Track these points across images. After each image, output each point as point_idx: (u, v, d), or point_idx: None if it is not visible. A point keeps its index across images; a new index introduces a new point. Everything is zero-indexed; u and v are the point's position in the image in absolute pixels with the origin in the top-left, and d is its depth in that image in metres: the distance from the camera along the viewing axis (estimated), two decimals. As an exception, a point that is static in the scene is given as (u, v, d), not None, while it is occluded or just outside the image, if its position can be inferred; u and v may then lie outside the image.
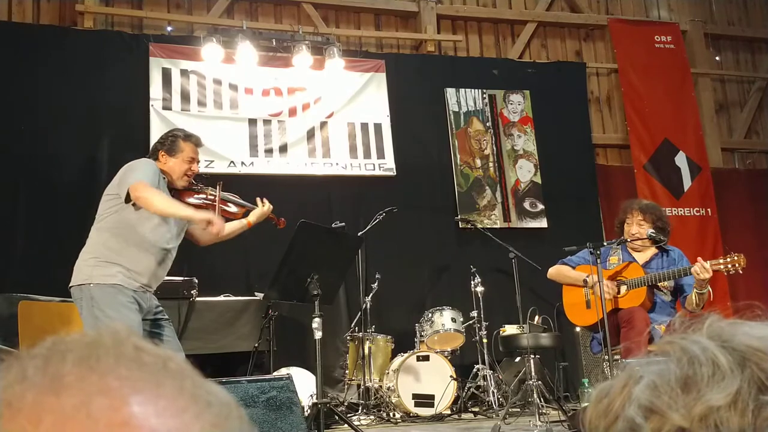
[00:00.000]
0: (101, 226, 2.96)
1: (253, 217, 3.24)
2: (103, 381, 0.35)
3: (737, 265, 3.32)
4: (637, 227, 3.63)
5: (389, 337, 5.06)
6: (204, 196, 3.16)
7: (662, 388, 0.43)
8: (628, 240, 3.63)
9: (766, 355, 0.43)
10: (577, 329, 4.96)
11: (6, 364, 0.36)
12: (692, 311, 3.38)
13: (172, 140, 3.09)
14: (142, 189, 2.83)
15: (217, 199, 3.12)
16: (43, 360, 0.36)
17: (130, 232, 2.91)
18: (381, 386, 4.78)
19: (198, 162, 3.15)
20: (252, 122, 5.86)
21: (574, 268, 3.77)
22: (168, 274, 3.14)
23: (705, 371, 0.43)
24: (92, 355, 0.36)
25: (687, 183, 6.82)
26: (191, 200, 3.13)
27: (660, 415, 0.42)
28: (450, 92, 6.44)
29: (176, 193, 3.10)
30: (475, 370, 4.98)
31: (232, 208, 3.25)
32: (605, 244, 3.70)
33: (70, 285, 2.91)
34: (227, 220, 3.23)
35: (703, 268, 3.24)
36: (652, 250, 3.69)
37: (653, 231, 3.60)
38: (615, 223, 3.92)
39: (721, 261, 3.36)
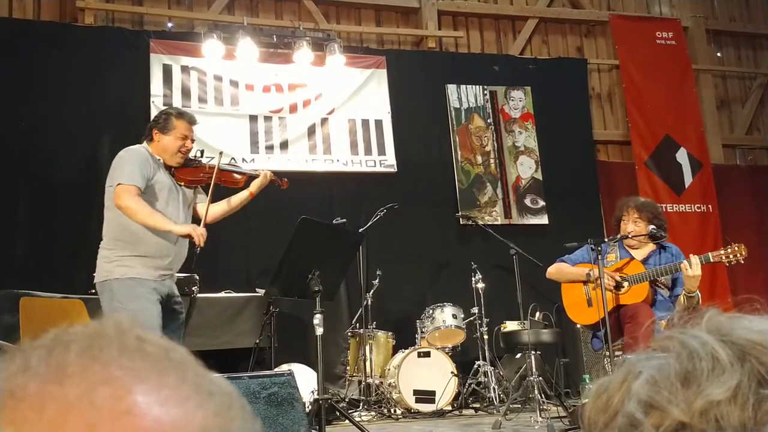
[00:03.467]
0: (112, 217, 2.98)
1: (254, 187, 3.29)
2: (106, 371, 0.35)
3: (738, 255, 3.32)
4: (633, 225, 3.63)
5: (390, 333, 5.07)
6: (202, 171, 3.19)
7: (662, 383, 0.43)
8: (630, 236, 3.63)
9: (766, 348, 0.43)
10: (578, 326, 4.96)
11: (9, 354, 0.37)
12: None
13: (165, 118, 3.12)
14: (123, 197, 2.86)
15: (214, 173, 3.15)
16: (46, 350, 0.36)
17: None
18: (382, 382, 4.79)
19: (192, 140, 3.17)
20: (253, 119, 5.86)
21: (572, 266, 3.77)
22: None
23: (705, 365, 0.43)
24: (95, 345, 0.36)
25: (688, 179, 6.81)
26: (189, 178, 3.16)
27: (660, 410, 0.42)
28: (451, 88, 6.43)
29: (174, 170, 3.12)
30: (475, 366, 4.99)
31: (234, 177, 3.30)
32: (606, 240, 3.70)
33: (94, 281, 2.99)
34: (233, 191, 3.28)
35: (696, 263, 3.25)
36: (650, 247, 3.69)
37: (655, 228, 3.60)
38: (612, 221, 3.92)
39: (722, 252, 3.37)
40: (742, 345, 0.43)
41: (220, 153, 3.31)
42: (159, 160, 3.06)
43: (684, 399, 0.42)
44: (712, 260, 3.40)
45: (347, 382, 5.09)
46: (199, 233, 2.92)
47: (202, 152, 3.29)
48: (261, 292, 4.68)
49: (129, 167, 2.91)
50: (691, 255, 3.34)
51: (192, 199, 3.22)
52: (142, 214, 2.87)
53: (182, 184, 3.15)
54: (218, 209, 3.25)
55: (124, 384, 0.35)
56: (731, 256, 3.33)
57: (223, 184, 3.26)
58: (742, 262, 3.35)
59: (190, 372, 0.37)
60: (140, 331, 0.38)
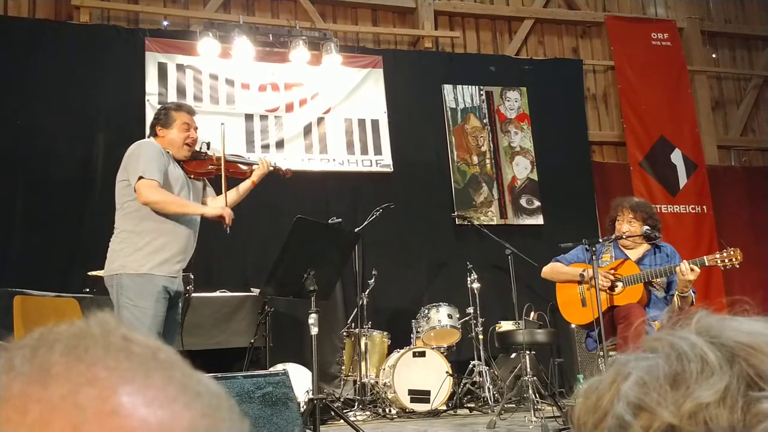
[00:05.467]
0: (126, 212, 2.97)
1: (255, 176, 3.32)
2: (91, 371, 0.34)
3: (734, 259, 3.33)
4: (628, 225, 3.64)
5: (385, 333, 5.07)
6: (210, 163, 3.22)
7: (651, 384, 0.43)
8: (624, 236, 3.63)
9: (755, 350, 0.43)
10: (573, 326, 4.97)
11: (-6, 355, 0.36)
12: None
13: (165, 113, 3.16)
14: (148, 193, 2.87)
15: (222, 164, 3.18)
16: (31, 350, 0.36)
17: (156, 214, 2.94)
18: (377, 382, 4.78)
19: (195, 128, 3.20)
20: (249, 117, 5.85)
21: (567, 266, 3.77)
22: None
23: (694, 367, 0.43)
24: (80, 345, 0.36)
25: (683, 180, 6.83)
26: (198, 170, 3.19)
27: (649, 412, 0.42)
28: (447, 89, 6.44)
29: (183, 163, 3.14)
30: (470, 366, 4.99)
31: (240, 168, 3.34)
32: (600, 240, 3.70)
33: (103, 273, 2.96)
34: (236, 181, 3.32)
35: (687, 269, 3.25)
36: (645, 247, 3.70)
37: (649, 228, 3.61)
38: (606, 221, 3.93)
39: (718, 256, 3.37)
40: (731, 347, 0.43)
41: (222, 124, 3.34)
42: (168, 153, 3.08)
43: (673, 401, 0.42)
44: (707, 264, 3.40)
45: (342, 382, 5.09)
46: (229, 214, 3.00)
47: (208, 144, 3.30)
48: (256, 291, 4.67)
49: (144, 162, 2.92)
50: (684, 261, 3.35)
51: (201, 193, 3.25)
52: (173, 204, 2.91)
53: (192, 176, 3.19)
54: (232, 197, 3.29)
55: (109, 384, 0.34)
56: (727, 260, 3.33)
57: (231, 175, 3.30)
58: (737, 266, 3.35)
59: (176, 372, 0.37)
60: (126, 330, 0.37)
